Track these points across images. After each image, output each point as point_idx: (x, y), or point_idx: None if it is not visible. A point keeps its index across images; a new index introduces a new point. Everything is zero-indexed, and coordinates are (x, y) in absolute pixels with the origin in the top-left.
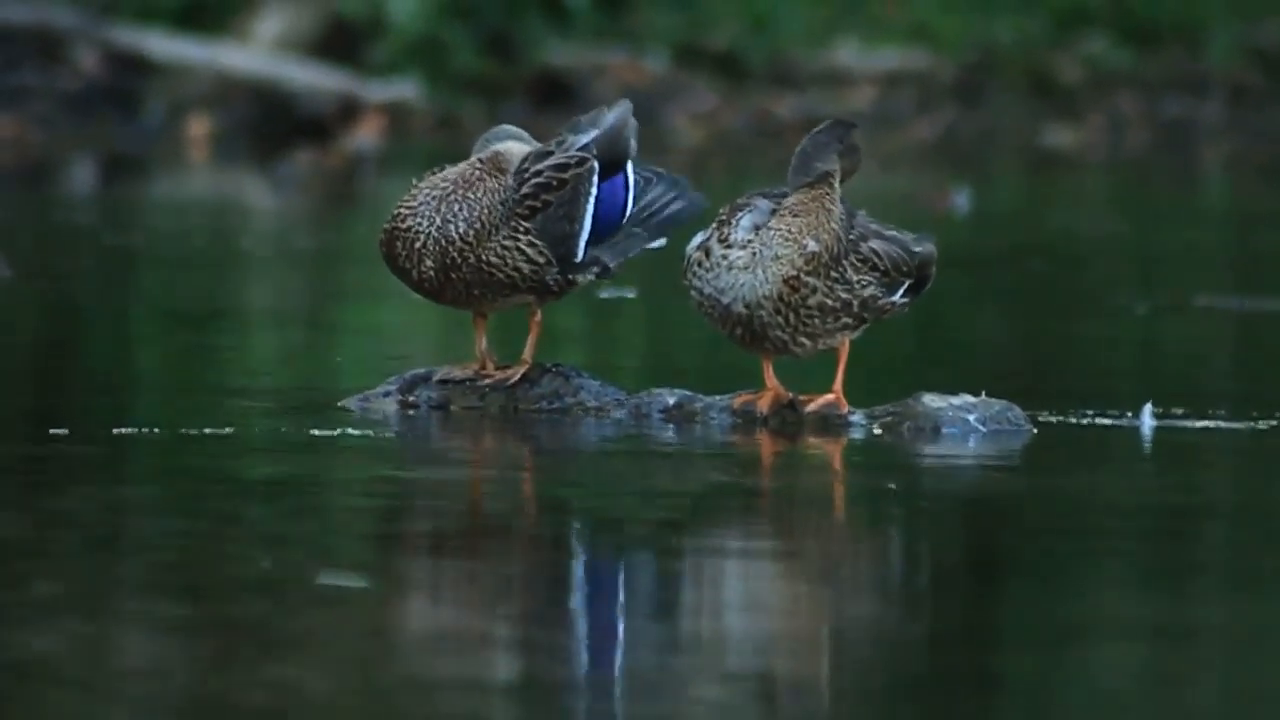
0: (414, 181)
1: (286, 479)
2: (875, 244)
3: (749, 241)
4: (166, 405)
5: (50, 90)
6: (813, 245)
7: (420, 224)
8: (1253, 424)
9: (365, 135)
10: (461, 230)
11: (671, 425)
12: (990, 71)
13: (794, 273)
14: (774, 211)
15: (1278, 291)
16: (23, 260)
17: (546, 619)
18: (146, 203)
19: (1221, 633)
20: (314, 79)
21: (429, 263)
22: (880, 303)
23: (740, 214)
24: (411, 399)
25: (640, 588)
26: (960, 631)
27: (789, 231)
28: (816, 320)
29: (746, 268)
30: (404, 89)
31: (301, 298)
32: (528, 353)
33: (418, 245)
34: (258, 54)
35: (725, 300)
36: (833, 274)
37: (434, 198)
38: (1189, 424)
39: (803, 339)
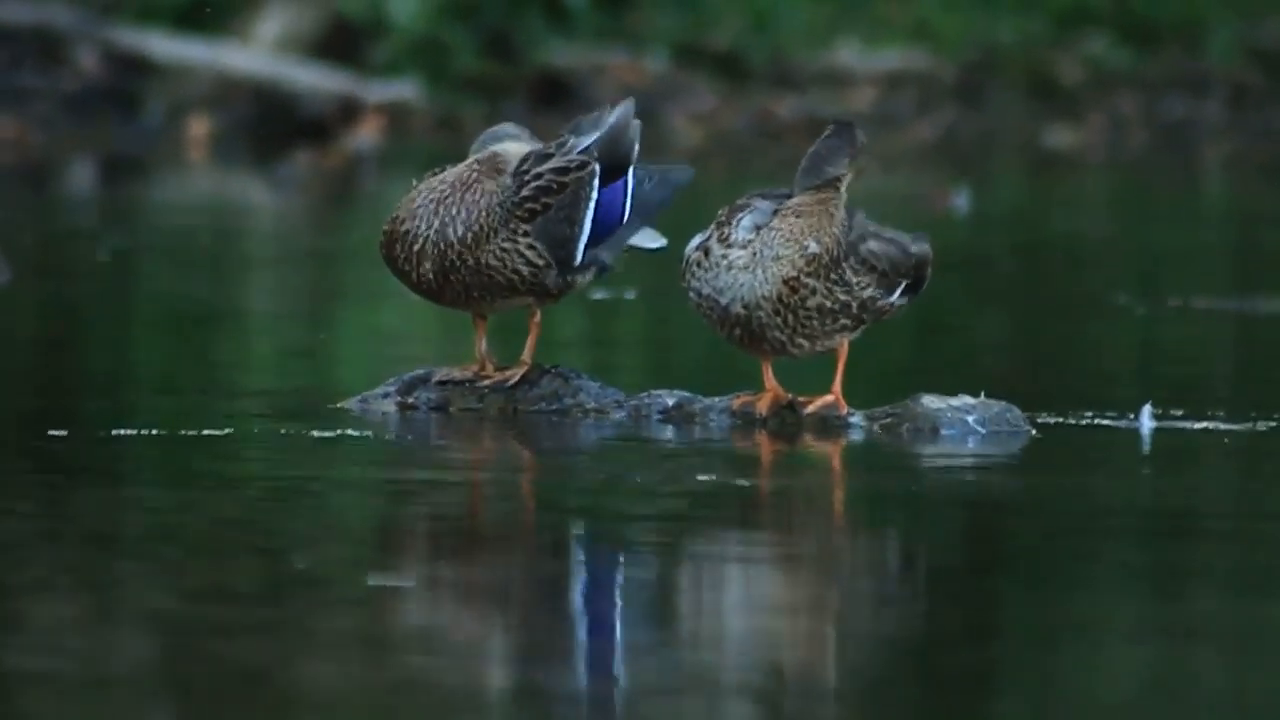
0: (414, 182)
1: (286, 479)
2: (874, 245)
3: (750, 241)
4: (166, 405)
5: (50, 91)
6: (814, 247)
7: (419, 227)
8: (1252, 425)
9: (365, 135)
10: (460, 233)
11: (670, 426)
12: (991, 71)
13: (794, 273)
14: (776, 211)
15: (1278, 291)
16: (22, 261)
17: (545, 620)
18: (146, 203)
19: (1221, 633)
20: (314, 79)
21: (428, 265)
22: (879, 304)
23: (740, 215)
24: (411, 400)
25: (640, 588)
26: (960, 632)
27: (790, 232)
28: (815, 322)
29: (746, 267)
30: (404, 89)
31: (301, 298)
32: (527, 354)
33: (416, 248)
34: (258, 54)
35: (724, 300)
36: (832, 276)
37: (432, 200)
38: (1188, 425)
39: (801, 340)
